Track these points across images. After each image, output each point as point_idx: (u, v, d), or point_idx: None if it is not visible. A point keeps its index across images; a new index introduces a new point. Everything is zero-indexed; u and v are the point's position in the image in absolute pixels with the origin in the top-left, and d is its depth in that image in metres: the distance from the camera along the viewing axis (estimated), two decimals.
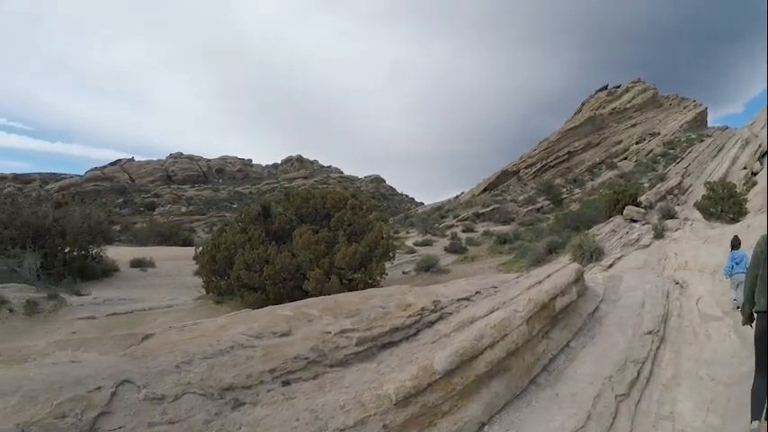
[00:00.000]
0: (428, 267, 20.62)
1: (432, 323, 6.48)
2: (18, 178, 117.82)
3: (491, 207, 45.42)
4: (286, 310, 6.45)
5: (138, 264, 25.75)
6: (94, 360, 4.89)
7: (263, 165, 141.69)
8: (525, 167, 72.84)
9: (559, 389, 5.87)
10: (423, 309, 6.62)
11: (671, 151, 55.98)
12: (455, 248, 26.61)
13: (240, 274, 15.08)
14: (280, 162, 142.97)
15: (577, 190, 52.44)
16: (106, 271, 23.68)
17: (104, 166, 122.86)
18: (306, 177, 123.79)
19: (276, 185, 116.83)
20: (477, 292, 7.59)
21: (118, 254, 26.63)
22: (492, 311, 6.42)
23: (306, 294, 14.40)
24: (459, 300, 7.19)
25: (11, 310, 14.37)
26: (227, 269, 16.08)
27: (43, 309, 14.84)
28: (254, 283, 14.89)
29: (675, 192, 30.34)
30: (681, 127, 71.60)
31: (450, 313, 6.76)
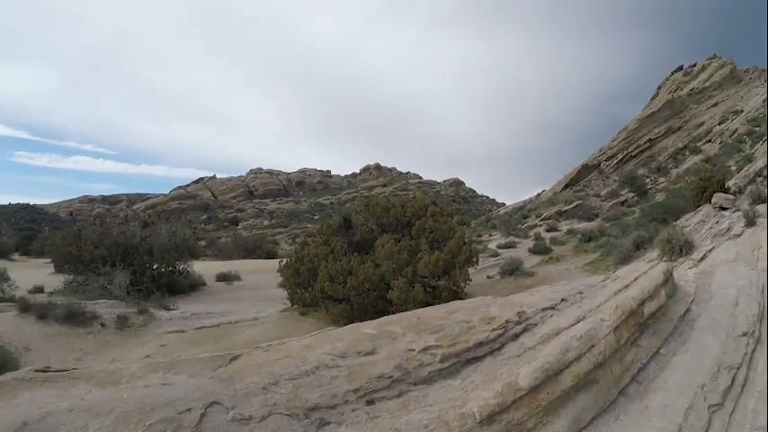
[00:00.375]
0: (512, 271, 20.30)
1: (516, 336, 6.36)
2: (106, 200, 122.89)
3: (574, 204, 44.49)
4: (369, 327, 6.44)
5: (224, 277, 26.14)
6: (184, 382, 4.99)
7: (342, 175, 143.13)
8: (606, 160, 70.99)
9: (649, 400, 5.67)
10: (507, 321, 6.51)
11: (756, 129, 53.17)
12: (539, 249, 26.07)
13: (324, 286, 15.13)
14: (358, 171, 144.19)
15: (662, 179, 50.65)
16: (193, 285, 24.15)
17: (188, 185, 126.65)
18: (385, 185, 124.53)
19: (356, 195, 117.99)
20: (562, 300, 7.41)
21: (204, 268, 27.12)
22: (578, 321, 6.25)
23: (390, 304, 14.39)
24: (543, 309, 7.04)
25: (103, 325, 14.86)
26: (311, 281, 16.17)
27: (133, 323, 15.26)
28: (338, 294, 14.94)
29: (765, 173, 29.03)
30: (764, 101, 68.22)
31: (536, 324, 6.62)
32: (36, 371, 5.40)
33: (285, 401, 4.76)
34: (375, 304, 14.78)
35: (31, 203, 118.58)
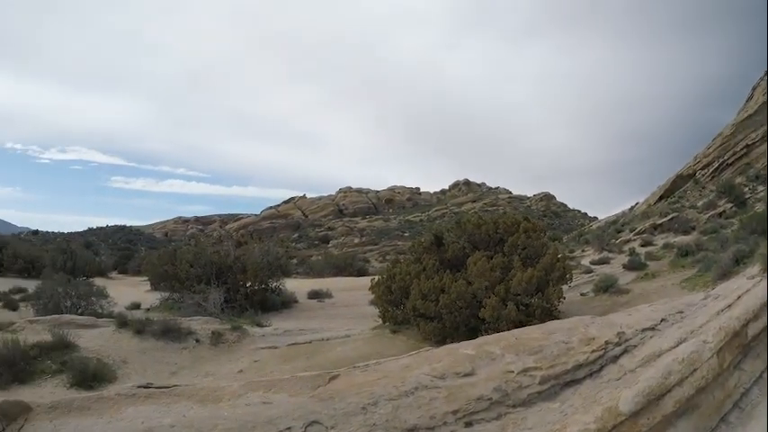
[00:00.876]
0: (606, 288, 19.68)
1: (616, 358, 6.19)
2: (199, 220, 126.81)
3: (669, 216, 42.97)
4: (468, 348, 6.38)
5: (316, 295, 26.44)
6: (285, 401, 5.08)
7: (432, 191, 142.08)
8: (701, 169, 68.03)
9: (751, 428, 5.40)
10: (606, 342, 6.35)
11: None
12: (634, 265, 25.18)
13: (416, 304, 15.09)
14: (447, 187, 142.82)
15: (761, 187, 48.19)
16: (285, 303, 24.50)
17: (278, 205, 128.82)
18: (474, 201, 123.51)
19: (446, 211, 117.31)
20: (662, 320, 7.18)
21: (296, 286, 27.52)
22: (679, 343, 6.03)
23: (482, 322, 14.25)
24: (643, 330, 6.83)
25: (197, 341, 15.29)
26: (403, 299, 16.16)
27: (227, 339, 15.58)
28: (430, 312, 14.86)
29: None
30: None
31: (635, 346, 6.43)
32: (139, 387, 5.59)
33: (384, 422, 4.77)
34: (467, 322, 14.67)
35: (128, 225, 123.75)
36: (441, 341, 13.68)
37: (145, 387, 5.58)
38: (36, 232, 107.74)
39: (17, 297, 24.60)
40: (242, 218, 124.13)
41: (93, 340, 14.77)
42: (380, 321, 17.13)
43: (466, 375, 5.64)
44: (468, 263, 15.84)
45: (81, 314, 18.08)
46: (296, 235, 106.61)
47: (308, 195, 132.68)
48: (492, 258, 15.82)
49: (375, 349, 14.30)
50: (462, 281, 15.09)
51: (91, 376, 12.28)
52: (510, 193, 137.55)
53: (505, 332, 7.36)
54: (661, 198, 64.99)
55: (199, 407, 5.07)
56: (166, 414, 4.93)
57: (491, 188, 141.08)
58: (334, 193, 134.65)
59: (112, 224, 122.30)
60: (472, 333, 13.49)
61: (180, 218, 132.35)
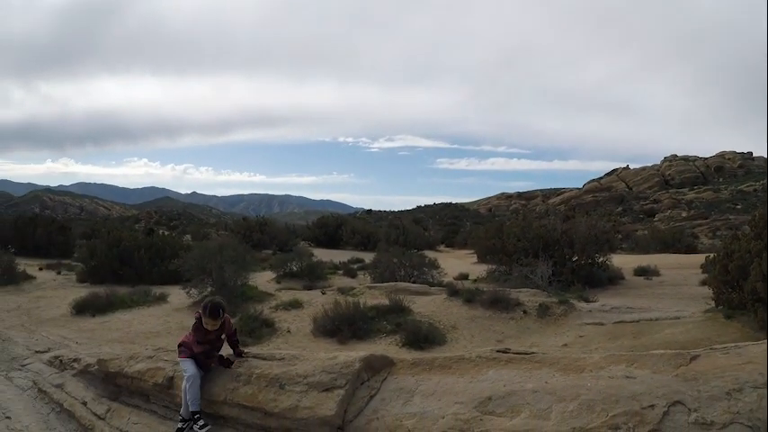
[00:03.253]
0: None
1: None
2: (522, 195, 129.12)
3: None
4: None
5: (642, 272, 25.83)
6: (647, 377, 5.10)
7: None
8: None
9: None
10: None
11: None
12: None
13: (756, 287, 14.03)
14: None
15: None
16: (611, 279, 24.25)
17: (601, 177, 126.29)
18: None
19: None
20: None
21: (621, 261, 27.11)
22: None
23: None
24: None
25: (525, 312, 15.87)
26: (741, 280, 15.14)
27: (554, 312, 15.86)
28: None
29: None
30: None
31: None
32: (498, 351, 5.99)
33: (748, 411, 4.52)
34: None
35: (453, 202, 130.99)
36: None
37: (504, 352, 5.95)
38: (369, 211, 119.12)
39: (355, 266, 27.79)
40: (564, 192, 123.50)
41: (426, 306, 16.01)
42: (713, 304, 16.22)
43: None
44: None
45: (413, 282, 19.52)
46: (619, 208, 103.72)
47: (632, 166, 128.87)
48: None
49: (705, 335, 13.68)
50: None
51: (423, 338, 13.51)
52: None
53: None
54: None
55: (560, 375, 5.29)
56: (528, 379, 5.24)
57: None
58: (658, 162, 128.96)
59: (439, 202, 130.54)
60: None
61: (503, 194, 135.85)
